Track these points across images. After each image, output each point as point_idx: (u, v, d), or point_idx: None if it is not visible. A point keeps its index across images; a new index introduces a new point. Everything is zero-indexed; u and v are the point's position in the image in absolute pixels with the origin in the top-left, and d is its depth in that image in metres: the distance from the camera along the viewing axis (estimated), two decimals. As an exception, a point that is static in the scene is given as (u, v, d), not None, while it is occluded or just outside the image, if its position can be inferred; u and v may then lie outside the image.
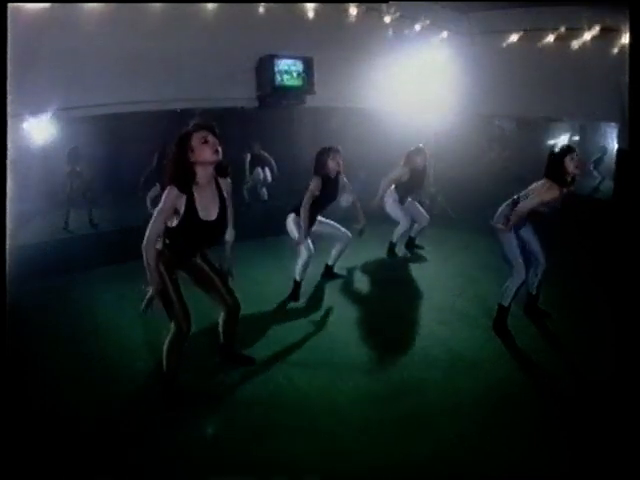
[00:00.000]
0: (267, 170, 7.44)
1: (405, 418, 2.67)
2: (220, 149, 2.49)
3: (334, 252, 4.53)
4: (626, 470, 2.21)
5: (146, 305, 2.55)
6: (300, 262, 4.14)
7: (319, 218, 4.27)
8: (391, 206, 5.24)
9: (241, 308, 2.94)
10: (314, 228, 4.20)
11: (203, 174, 2.51)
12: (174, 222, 2.53)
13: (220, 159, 2.51)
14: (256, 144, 7.32)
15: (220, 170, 2.60)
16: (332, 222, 4.37)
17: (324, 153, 4.08)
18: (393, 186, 5.20)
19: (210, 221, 2.57)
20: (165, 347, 2.68)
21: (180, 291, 2.63)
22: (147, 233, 2.47)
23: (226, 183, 2.69)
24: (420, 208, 5.40)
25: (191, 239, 2.64)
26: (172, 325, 2.63)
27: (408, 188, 5.20)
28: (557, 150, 3.36)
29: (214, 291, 2.84)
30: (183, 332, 2.62)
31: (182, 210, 2.49)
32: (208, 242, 2.76)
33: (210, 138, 2.47)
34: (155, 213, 2.48)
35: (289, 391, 2.90)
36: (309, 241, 4.10)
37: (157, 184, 6.51)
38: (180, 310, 2.59)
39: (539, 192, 3.32)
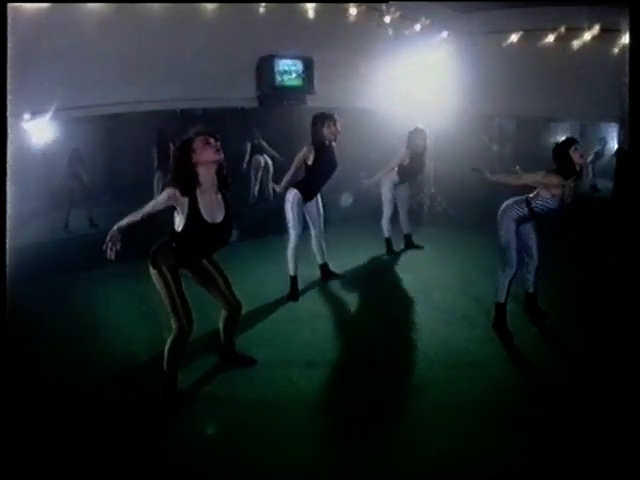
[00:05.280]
0: (266, 157, 7.48)
1: (405, 418, 2.68)
2: (221, 151, 2.54)
3: (315, 248, 4.51)
4: (626, 470, 2.21)
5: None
6: (289, 251, 4.14)
7: (318, 197, 4.28)
8: (385, 188, 5.26)
9: (241, 305, 2.95)
10: (309, 203, 4.23)
11: (205, 176, 2.55)
12: (180, 226, 2.56)
13: (222, 159, 2.56)
14: (256, 133, 7.39)
15: (221, 180, 2.63)
16: (321, 209, 4.37)
17: (318, 120, 4.05)
18: (396, 169, 5.21)
19: (216, 224, 2.60)
20: (166, 347, 2.69)
21: (183, 292, 2.64)
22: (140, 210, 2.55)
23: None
24: (406, 191, 5.41)
25: (198, 243, 2.66)
26: (173, 325, 2.64)
27: (408, 172, 5.22)
28: (560, 143, 3.40)
29: (217, 291, 2.86)
30: (185, 332, 2.63)
31: (185, 212, 2.52)
32: (215, 245, 2.78)
33: (211, 140, 2.53)
34: (150, 202, 2.55)
35: (290, 391, 2.90)
36: (299, 222, 4.11)
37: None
38: (182, 310, 2.61)
39: (538, 175, 3.36)
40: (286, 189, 4.16)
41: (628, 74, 3.09)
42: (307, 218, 4.33)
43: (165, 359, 2.71)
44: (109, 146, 6.57)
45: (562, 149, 3.34)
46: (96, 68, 4.56)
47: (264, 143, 7.45)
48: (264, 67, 5.56)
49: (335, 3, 5.68)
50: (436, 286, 4.53)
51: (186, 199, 2.51)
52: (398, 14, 6.10)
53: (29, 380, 2.94)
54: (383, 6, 5.96)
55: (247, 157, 7.43)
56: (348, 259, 4.98)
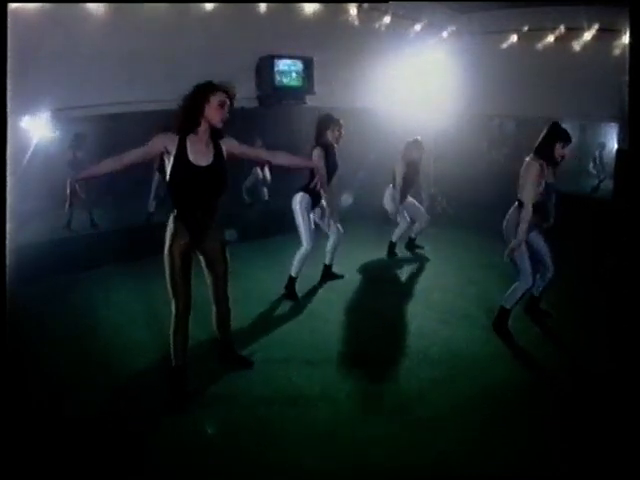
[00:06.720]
0: (266, 169, 7.42)
1: (405, 418, 2.67)
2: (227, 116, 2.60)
3: (328, 249, 4.50)
4: (626, 469, 2.21)
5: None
6: (299, 255, 4.12)
7: (324, 204, 4.26)
8: (390, 205, 5.25)
9: (229, 299, 2.94)
10: (319, 205, 4.21)
11: (202, 126, 2.61)
12: (169, 171, 2.57)
13: (221, 127, 2.63)
14: (257, 141, 7.31)
15: (215, 130, 2.65)
16: (336, 218, 4.34)
17: (324, 122, 4.05)
18: (391, 185, 5.21)
19: (202, 167, 2.58)
20: (170, 331, 2.74)
21: (187, 274, 2.68)
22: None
23: (229, 141, 2.72)
24: (420, 207, 5.41)
25: (188, 189, 2.61)
26: (172, 307, 2.69)
27: (405, 183, 5.20)
28: (552, 133, 3.33)
29: (213, 279, 2.88)
30: (179, 312, 2.68)
31: (173, 153, 2.55)
32: (206, 193, 2.66)
33: (226, 107, 2.59)
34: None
35: (289, 391, 2.90)
36: (312, 234, 4.08)
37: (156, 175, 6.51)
38: (181, 291, 2.65)
39: (524, 177, 3.33)
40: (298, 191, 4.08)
41: (628, 74, 3.09)
42: (325, 229, 4.35)
43: (171, 346, 2.75)
44: (108, 146, 6.54)
45: (550, 140, 3.30)
46: (96, 68, 4.56)
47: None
48: (264, 67, 5.57)
49: (335, 3, 5.68)
50: (436, 286, 4.53)
51: (176, 139, 2.56)
52: (398, 14, 6.11)
53: (29, 380, 2.94)
54: (383, 6, 5.97)
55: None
56: (348, 259, 4.98)
